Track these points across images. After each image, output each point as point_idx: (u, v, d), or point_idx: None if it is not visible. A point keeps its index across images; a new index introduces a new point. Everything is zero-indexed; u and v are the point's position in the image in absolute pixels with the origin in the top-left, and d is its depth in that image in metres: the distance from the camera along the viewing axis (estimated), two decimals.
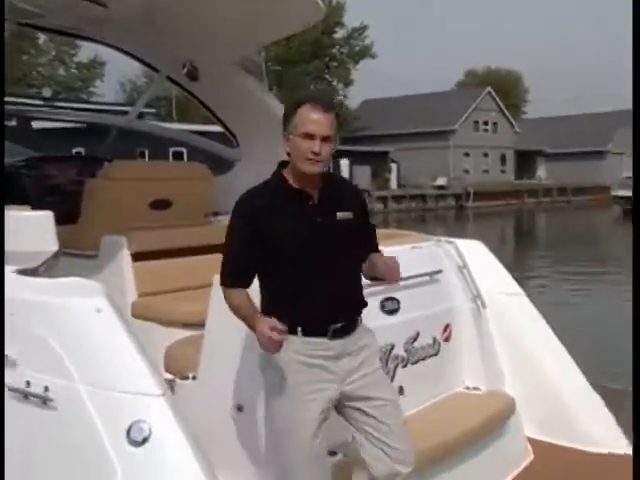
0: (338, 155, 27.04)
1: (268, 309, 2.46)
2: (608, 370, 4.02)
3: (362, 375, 2.53)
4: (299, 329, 2.45)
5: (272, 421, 2.59)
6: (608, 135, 64.66)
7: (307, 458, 2.47)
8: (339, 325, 2.48)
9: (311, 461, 2.48)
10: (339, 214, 2.51)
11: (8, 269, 2.73)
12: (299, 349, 2.45)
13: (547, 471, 3.56)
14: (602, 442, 3.78)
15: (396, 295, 3.30)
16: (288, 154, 2.49)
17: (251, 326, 2.44)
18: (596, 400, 3.93)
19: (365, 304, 2.64)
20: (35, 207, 3.18)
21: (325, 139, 2.39)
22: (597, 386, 4.02)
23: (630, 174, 53.43)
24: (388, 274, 2.54)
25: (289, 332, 2.38)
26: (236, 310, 2.50)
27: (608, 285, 17.64)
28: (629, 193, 45.13)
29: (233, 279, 2.50)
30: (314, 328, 2.46)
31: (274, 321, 2.31)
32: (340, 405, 2.55)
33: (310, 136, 2.38)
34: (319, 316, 2.47)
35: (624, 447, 3.79)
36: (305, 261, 2.46)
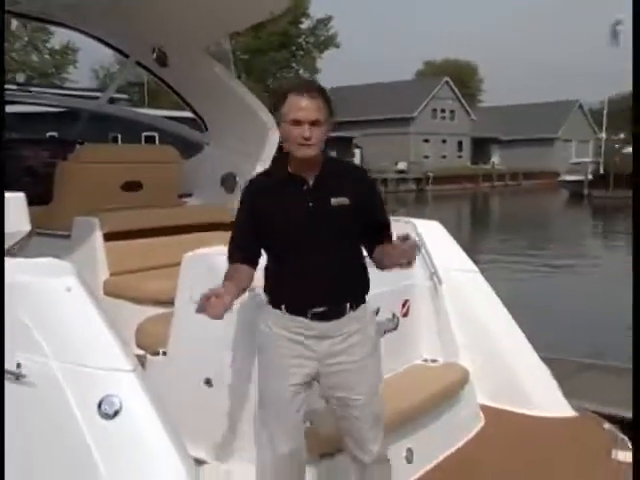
0: None
1: (265, 284, 2.52)
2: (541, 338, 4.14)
3: (342, 361, 2.48)
4: (283, 306, 2.47)
5: (256, 390, 2.58)
6: (557, 123, 65.51)
7: (284, 426, 2.49)
8: (320, 310, 2.43)
9: (288, 429, 2.49)
10: (333, 200, 2.42)
11: None
12: (284, 324, 2.47)
13: (497, 434, 3.63)
14: (546, 407, 3.86)
15: None
16: (282, 142, 2.51)
17: None
18: (542, 369, 4.01)
19: (361, 292, 2.54)
20: (8, 188, 3.11)
21: (314, 123, 2.37)
22: (544, 358, 4.09)
23: (577, 160, 54.21)
24: (404, 255, 2.36)
25: (276, 307, 2.46)
26: (226, 277, 2.46)
27: (553, 262, 17.98)
28: (576, 178, 45.98)
29: (230, 254, 2.51)
30: (295, 308, 2.45)
31: (215, 289, 2.29)
32: (319, 382, 2.53)
33: (298, 122, 2.37)
34: (301, 298, 2.45)
35: (567, 411, 3.90)
36: (294, 243, 2.45)
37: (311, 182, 2.46)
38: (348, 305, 2.47)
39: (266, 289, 2.53)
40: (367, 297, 2.60)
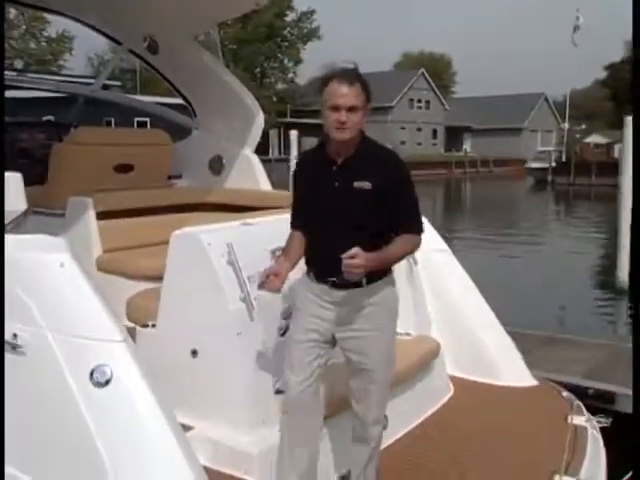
0: (288, 126, 26.86)
1: (306, 251, 2.62)
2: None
3: (356, 328, 2.53)
4: (311, 273, 2.59)
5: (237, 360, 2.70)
6: (524, 114, 65.71)
7: (297, 373, 2.55)
8: (336, 279, 2.46)
9: (300, 377, 2.55)
10: (356, 182, 2.44)
11: None
12: (311, 289, 2.58)
13: (465, 402, 3.67)
14: (510, 377, 3.92)
15: None
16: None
17: None
18: (508, 342, 4.06)
19: (372, 271, 2.44)
20: (6, 169, 3.07)
21: (351, 109, 2.40)
22: (509, 331, 4.13)
23: (542, 148, 54.50)
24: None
25: (308, 273, 2.59)
26: (286, 244, 2.65)
27: (517, 241, 18.17)
28: (541, 165, 46.28)
29: (291, 220, 2.68)
30: (319, 277, 2.54)
31: (273, 268, 2.49)
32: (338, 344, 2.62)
33: (337, 108, 2.40)
34: (323, 267, 2.52)
35: (529, 381, 3.96)
36: (320, 218, 2.53)
37: (340, 163, 2.50)
38: (364, 279, 2.45)
39: (305, 257, 2.62)
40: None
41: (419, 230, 2.53)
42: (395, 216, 2.48)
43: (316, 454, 2.65)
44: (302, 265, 2.65)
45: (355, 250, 2.29)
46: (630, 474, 2.96)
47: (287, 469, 2.60)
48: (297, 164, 2.74)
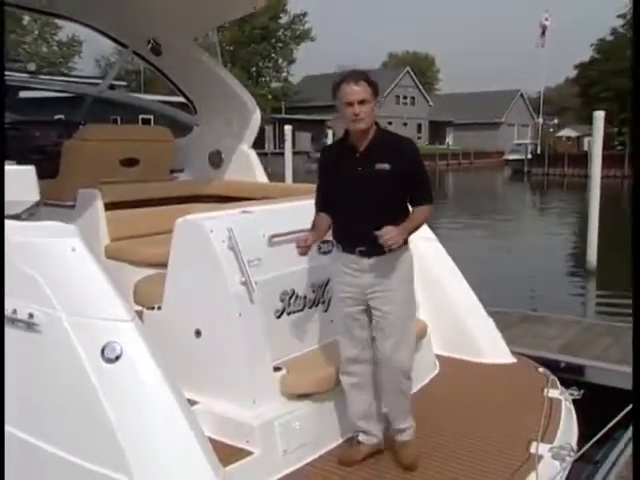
0: (283, 122, 26.76)
1: (332, 228, 2.83)
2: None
3: (381, 290, 2.72)
4: (340, 246, 2.80)
5: (237, 338, 2.80)
6: (502, 110, 65.59)
7: (348, 337, 2.82)
8: (363, 248, 2.69)
9: (351, 339, 2.81)
10: (377, 165, 2.65)
11: None
12: (341, 259, 2.80)
13: (450, 379, 3.69)
14: (491, 355, 3.94)
15: (330, 238, 3.28)
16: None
17: None
18: (488, 322, 4.07)
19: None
20: (19, 163, 3.05)
21: (361, 102, 2.61)
22: (491, 312, 4.14)
23: (519, 141, 54.33)
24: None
25: (337, 247, 2.82)
26: (311, 225, 2.84)
27: (497, 226, 18.23)
28: (517, 157, 46.31)
29: (315, 204, 2.89)
30: (347, 247, 2.76)
31: (306, 235, 2.75)
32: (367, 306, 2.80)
33: (350, 103, 2.62)
34: (350, 239, 2.74)
35: (508, 358, 3.99)
36: (344, 198, 2.73)
37: (361, 150, 2.70)
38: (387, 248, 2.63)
39: (332, 233, 2.84)
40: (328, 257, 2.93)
41: (430, 201, 2.76)
42: (411, 190, 2.72)
43: (372, 393, 2.88)
44: None
45: (387, 228, 2.54)
46: (596, 438, 3.00)
47: (349, 413, 2.89)
48: (322, 155, 2.92)
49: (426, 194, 2.76)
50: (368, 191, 2.67)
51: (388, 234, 2.53)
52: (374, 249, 2.64)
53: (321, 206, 2.85)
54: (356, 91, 2.62)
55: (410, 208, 2.76)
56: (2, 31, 2.88)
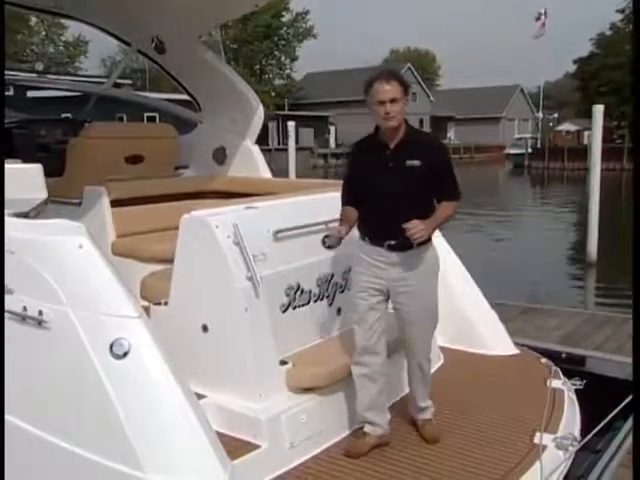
0: (286, 119, 26.71)
1: (358, 222, 2.84)
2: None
3: (406, 284, 2.76)
4: (367, 239, 2.81)
5: (244, 334, 2.78)
6: (502, 104, 65.31)
7: (362, 326, 2.82)
8: (392, 242, 2.72)
9: (365, 329, 2.82)
10: (407, 161, 2.69)
11: (5, 213, 2.60)
12: (366, 252, 2.81)
13: (454, 371, 3.67)
14: (494, 347, 3.92)
15: (333, 234, 3.26)
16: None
17: None
18: (491, 315, 4.05)
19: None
20: (26, 162, 3.04)
21: (392, 100, 2.65)
22: (494, 304, 4.13)
23: (519, 136, 54.14)
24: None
25: (363, 239, 2.82)
26: (340, 217, 2.87)
27: (496, 219, 18.18)
28: (518, 151, 46.16)
29: (341, 198, 2.92)
30: (375, 240, 2.78)
31: (339, 227, 2.75)
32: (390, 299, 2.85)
33: (381, 102, 2.65)
34: (379, 233, 2.76)
35: (511, 349, 3.97)
36: (375, 192, 2.76)
37: (392, 147, 2.74)
38: (414, 242, 2.68)
39: (359, 226, 2.84)
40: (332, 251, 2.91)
41: (458, 196, 2.80)
42: (439, 186, 2.75)
43: (382, 385, 2.90)
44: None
45: (414, 222, 2.58)
46: (598, 428, 3.00)
47: (358, 403, 2.89)
48: (352, 151, 2.95)
49: (453, 190, 2.79)
50: (398, 187, 2.71)
51: (415, 228, 2.57)
52: (402, 244, 2.70)
53: (348, 200, 2.88)
54: (388, 90, 2.65)
55: (436, 204, 2.79)
56: (2, 30, 2.85)
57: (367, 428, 2.90)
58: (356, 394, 2.90)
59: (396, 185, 2.71)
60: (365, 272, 2.81)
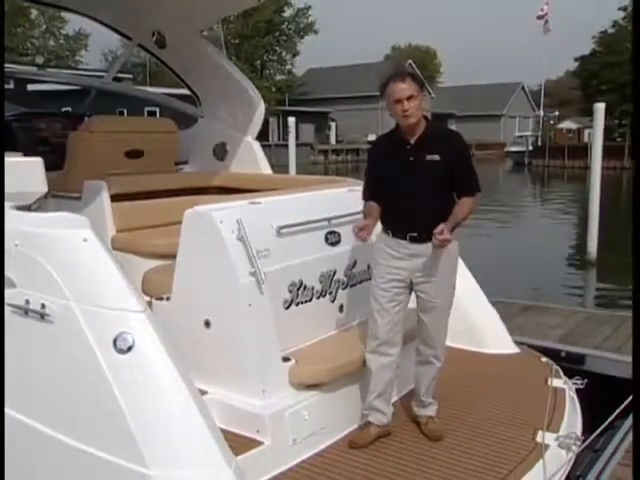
0: (286, 114, 26.66)
1: (380, 215, 2.92)
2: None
3: (427, 274, 2.84)
4: (389, 231, 2.88)
5: (246, 329, 2.79)
6: (503, 102, 65.21)
7: (384, 317, 2.88)
8: (414, 234, 2.81)
9: (386, 320, 2.87)
10: (428, 156, 2.76)
11: (7, 206, 2.60)
12: (389, 244, 2.88)
13: (455, 369, 3.64)
14: (495, 345, 3.92)
15: (337, 229, 3.26)
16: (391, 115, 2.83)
17: None
18: (492, 313, 4.05)
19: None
20: (26, 155, 3.03)
21: (409, 98, 2.72)
22: (494, 302, 4.12)
23: (520, 133, 54.07)
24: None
25: (385, 232, 2.90)
26: (362, 212, 2.97)
27: (495, 216, 18.18)
28: (519, 149, 46.12)
29: (363, 193, 3.01)
30: (397, 233, 2.85)
31: (364, 222, 2.83)
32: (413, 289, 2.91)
33: (399, 100, 2.72)
34: (401, 226, 2.84)
35: (511, 348, 3.97)
36: (397, 186, 2.84)
37: (413, 142, 2.81)
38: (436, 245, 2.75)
39: (381, 219, 2.92)
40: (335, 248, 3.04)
41: (477, 190, 2.85)
42: (458, 181, 2.81)
43: (394, 376, 2.98)
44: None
45: (441, 226, 2.65)
46: (601, 428, 3.00)
47: (370, 390, 2.94)
48: (373, 147, 3.06)
49: (472, 184, 2.85)
50: (419, 181, 2.78)
51: (442, 236, 2.65)
52: (424, 236, 2.77)
53: (370, 195, 2.96)
54: (403, 88, 2.72)
55: (456, 199, 2.83)
56: (2, 29, 2.84)
57: (372, 417, 2.94)
58: (369, 381, 2.94)
59: (417, 179, 2.79)
60: (387, 263, 2.88)
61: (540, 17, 49.83)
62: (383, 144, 2.99)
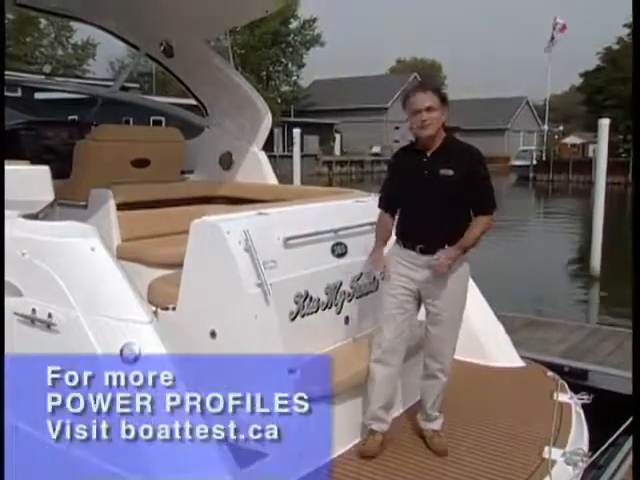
0: (292, 126, 26.76)
1: (396, 226, 2.97)
2: None
3: (437, 286, 2.84)
4: (401, 242, 2.91)
5: (252, 341, 2.81)
6: (508, 116, 65.37)
7: (390, 325, 2.89)
8: (423, 246, 2.81)
9: (392, 328, 2.89)
10: (442, 171, 2.75)
11: (14, 214, 2.60)
12: (400, 255, 2.90)
13: (459, 382, 3.63)
14: (500, 358, 3.91)
15: (344, 241, 3.26)
16: (411, 128, 2.84)
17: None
18: (497, 326, 4.04)
19: (457, 239, 2.78)
20: (33, 163, 3.04)
21: (428, 109, 2.73)
22: (498, 315, 4.11)
23: (525, 148, 54.25)
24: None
25: (398, 243, 2.93)
26: (376, 225, 3.05)
27: (500, 231, 18.16)
28: (523, 163, 46.17)
29: (380, 203, 3.05)
30: (408, 244, 2.87)
31: (375, 254, 2.95)
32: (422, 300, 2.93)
33: (417, 111, 2.74)
34: (411, 237, 2.86)
35: (517, 362, 3.96)
36: (412, 199, 2.86)
37: (429, 155, 2.81)
38: (446, 246, 2.78)
39: (395, 229, 2.97)
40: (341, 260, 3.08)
41: (491, 210, 2.83)
42: (473, 198, 2.79)
43: (396, 388, 3.00)
44: None
45: (439, 254, 2.72)
46: (606, 445, 2.97)
47: (374, 401, 2.93)
48: (392, 160, 3.08)
49: (487, 203, 2.83)
50: (432, 194, 2.78)
51: (440, 264, 2.71)
52: (436, 247, 2.78)
53: (385, 204, 3.02)
54: (423, 98, 2.73)
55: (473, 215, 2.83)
56: (2, 30, 2.86)
57: (375, 425, 2.95)
58: (372, 390, 2.94)
59: (429, 193, 2.79)
60: (397, 271, 2.90)
61: (558, 28, 49.58)
62: (402, 155, 3.01)
